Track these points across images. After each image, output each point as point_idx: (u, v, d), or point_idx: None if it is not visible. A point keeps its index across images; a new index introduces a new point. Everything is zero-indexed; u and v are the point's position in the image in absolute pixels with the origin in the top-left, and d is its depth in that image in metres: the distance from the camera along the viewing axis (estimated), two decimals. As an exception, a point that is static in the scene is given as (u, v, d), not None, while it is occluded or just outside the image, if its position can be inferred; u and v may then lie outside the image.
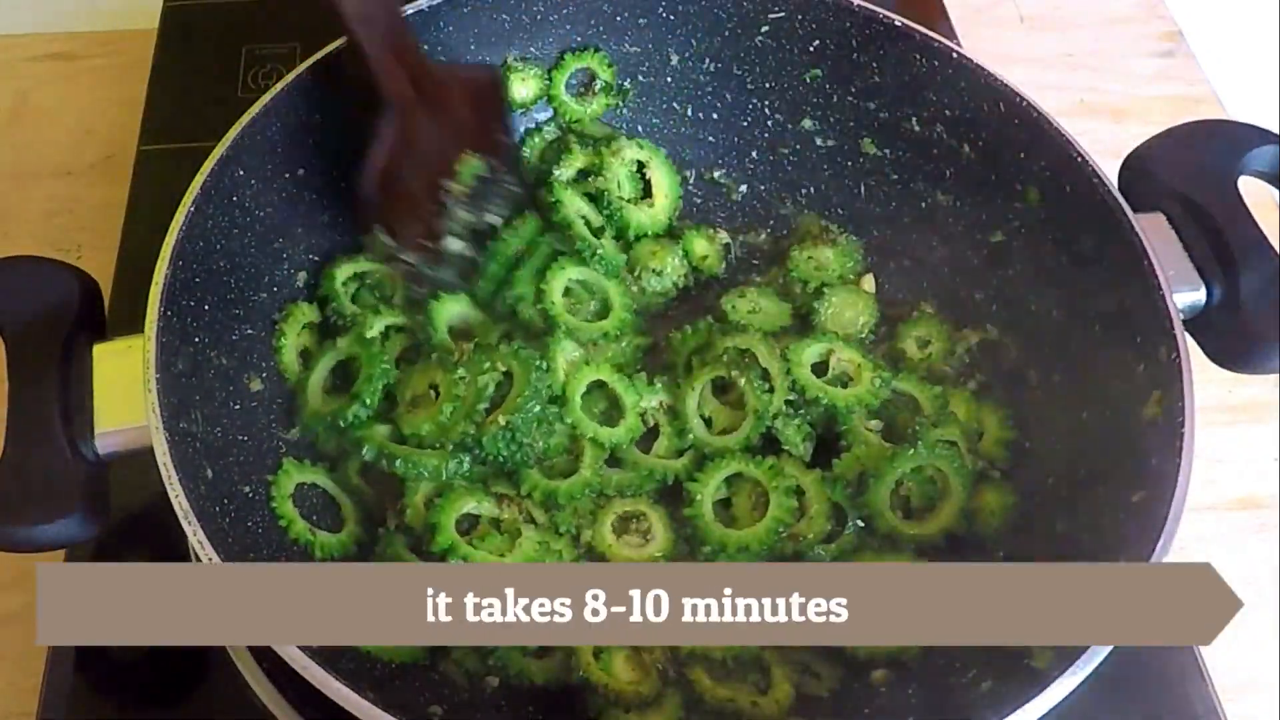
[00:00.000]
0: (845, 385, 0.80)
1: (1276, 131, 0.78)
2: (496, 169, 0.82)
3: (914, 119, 0.84)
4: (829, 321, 0.84)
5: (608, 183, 0.86)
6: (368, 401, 0.75)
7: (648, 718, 0.68)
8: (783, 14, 0.86)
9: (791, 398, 0.78)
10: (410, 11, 0.80)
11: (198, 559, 0.61)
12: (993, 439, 0.79)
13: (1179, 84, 1.15)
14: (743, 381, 0.78)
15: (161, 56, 1.08)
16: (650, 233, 0.88)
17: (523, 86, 0.89)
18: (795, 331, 0.84)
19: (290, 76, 0.78)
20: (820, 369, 0.80)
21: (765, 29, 0.87)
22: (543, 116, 0.91)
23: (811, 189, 0.91)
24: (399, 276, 0.82)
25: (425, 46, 0.82)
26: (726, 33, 0.88)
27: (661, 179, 0.89)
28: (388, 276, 0.83)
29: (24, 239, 1.00)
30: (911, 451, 0.75)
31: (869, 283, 0.88)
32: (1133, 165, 0.77)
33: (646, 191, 0.89)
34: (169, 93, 1.05)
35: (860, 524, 0.76)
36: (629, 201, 0.88)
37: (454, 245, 0.81)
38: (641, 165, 0.89)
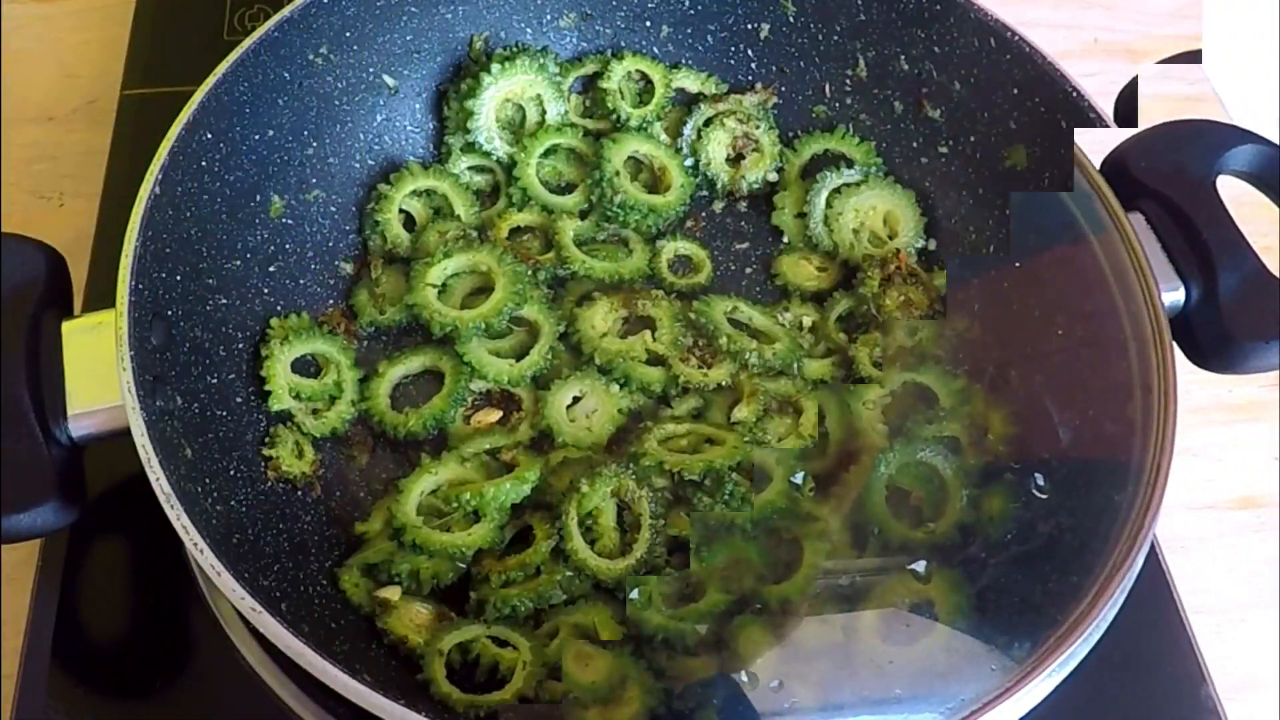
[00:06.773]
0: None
1: (1264, 133, 0.78)
2: None
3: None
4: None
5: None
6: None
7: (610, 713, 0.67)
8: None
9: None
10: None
11: (182, 542, 0.60)
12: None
13: (1180, 84, 1.14)
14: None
15: (145, -2, 1.04)
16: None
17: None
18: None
19: (255, 35, 0.76)
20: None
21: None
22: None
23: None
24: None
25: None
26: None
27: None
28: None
29: (5, 186, 0.97)
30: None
31: None
32: (1112, 165, 0.77)
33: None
34: (152, 36, 1.02)
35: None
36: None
37: None
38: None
